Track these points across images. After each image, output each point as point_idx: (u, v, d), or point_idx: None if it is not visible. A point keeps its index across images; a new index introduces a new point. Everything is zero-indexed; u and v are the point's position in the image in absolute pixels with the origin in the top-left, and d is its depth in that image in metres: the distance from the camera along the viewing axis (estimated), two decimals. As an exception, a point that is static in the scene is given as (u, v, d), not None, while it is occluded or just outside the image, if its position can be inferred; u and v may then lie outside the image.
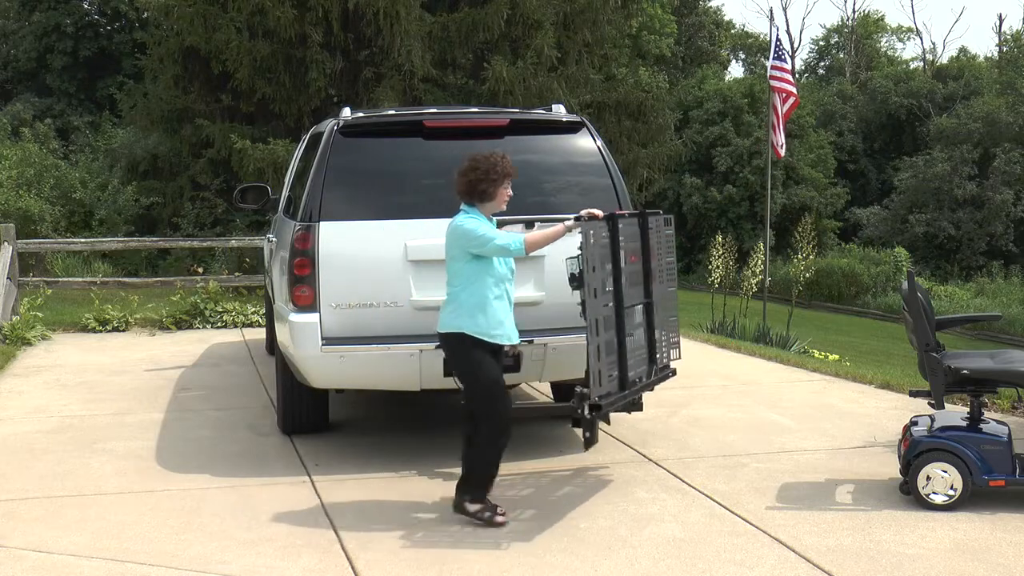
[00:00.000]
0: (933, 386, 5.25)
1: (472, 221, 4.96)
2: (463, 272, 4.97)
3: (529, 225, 5.86)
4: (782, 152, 14.89)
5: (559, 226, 5.09)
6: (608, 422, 5.46)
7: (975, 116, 37.56)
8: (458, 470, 5.87)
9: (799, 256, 13.76)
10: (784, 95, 14.38)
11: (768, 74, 14.90)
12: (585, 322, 5.10)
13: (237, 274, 13.66)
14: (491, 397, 4.97)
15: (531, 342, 5.73)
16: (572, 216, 5.18)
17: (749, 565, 4.45)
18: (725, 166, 37.17)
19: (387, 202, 5.92)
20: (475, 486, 5.02)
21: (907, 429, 5.41)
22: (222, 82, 16.88)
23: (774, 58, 14.67)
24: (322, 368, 5.80)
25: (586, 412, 5.11)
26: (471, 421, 5.09)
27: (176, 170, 18.97)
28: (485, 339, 4.96)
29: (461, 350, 4.99)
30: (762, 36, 55.36)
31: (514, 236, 4.99)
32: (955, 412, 5.72)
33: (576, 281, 5.19)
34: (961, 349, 6.62)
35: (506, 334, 5.05)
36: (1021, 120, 36.50)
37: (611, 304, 5.14)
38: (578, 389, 5.18)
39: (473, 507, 5.00)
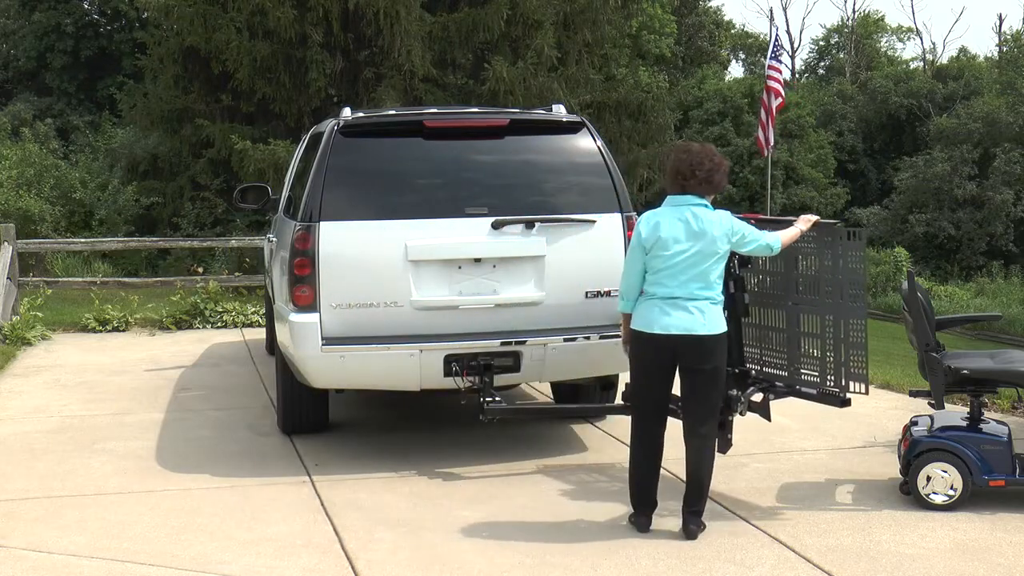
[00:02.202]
0: (933, 386, 5.25)
1: (737, 218, 4.87)
2: (720, 271, 4.80)
3: (529, 225, 5.88)
4: (767, 151, 14.93)
5: (795, 229, 5.08)
6: (769, 419, 5.44)
7: (975, 116, 37.51)
8: (457, 469, 5.85)
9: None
10: (774, 93, 14.47)
11: (765, 73, 14.98)
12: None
13: (237, 274, 13.64)
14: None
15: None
16: (802, 218, 5.20)
17: (749, 565, 4.46)
18: (725, 166, 37.17)
19: (387, 202, 5.91)
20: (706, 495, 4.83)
21: (907, 429, 5.41)
22: (222, 82, 16.88)
23: (771, 58, 14.74)
24: (322, 368, 5.80)
25: (740, 413, 5.20)
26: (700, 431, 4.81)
27: (176, 170, 18.95)
28: None
29: (726, 348, 4.89)
30: (762, 36, 55.22)
31: (775, 235, 4.97)
32: (955, 412, 5.73)
33: (738, 285, 5.24)
34: (961, 349, 6.62)
35: None
36: (1021, 120, 36.45)
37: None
38: (734, 392, 5.20)
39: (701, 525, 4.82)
